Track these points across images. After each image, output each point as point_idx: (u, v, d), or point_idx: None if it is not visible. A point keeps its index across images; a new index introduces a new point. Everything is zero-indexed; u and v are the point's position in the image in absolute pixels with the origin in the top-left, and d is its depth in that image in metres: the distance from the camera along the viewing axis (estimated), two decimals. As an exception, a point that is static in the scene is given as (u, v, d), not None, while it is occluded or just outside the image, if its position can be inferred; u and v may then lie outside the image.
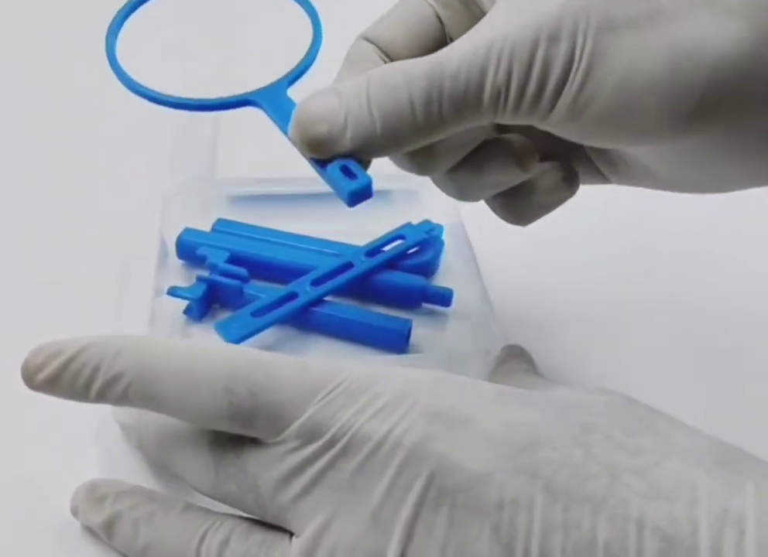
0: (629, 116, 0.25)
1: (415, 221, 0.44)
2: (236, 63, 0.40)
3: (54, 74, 0.61)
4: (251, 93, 0.34)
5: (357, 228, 0.45)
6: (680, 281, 0.45)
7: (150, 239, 0.42)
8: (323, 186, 0.46)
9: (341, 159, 0.30)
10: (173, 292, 0.38)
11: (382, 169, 0.47)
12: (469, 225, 0.43)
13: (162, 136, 0.50)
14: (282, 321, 0.39)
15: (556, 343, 0.41)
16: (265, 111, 0.33)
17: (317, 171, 0.31)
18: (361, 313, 0.40)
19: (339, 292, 0.41)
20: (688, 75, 0.24)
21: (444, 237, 0.44)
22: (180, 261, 0.43)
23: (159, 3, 0.36)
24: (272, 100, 0.33)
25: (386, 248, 0.42)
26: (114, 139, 0.54)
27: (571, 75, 0.25)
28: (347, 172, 0.30)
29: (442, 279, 0.43)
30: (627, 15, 0.24)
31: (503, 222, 0.37)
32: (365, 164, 0.30)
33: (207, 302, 0.39)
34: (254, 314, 0.38)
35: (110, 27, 0.36)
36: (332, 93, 0.29)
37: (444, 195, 0.44)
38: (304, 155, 0.31)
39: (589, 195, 0.34)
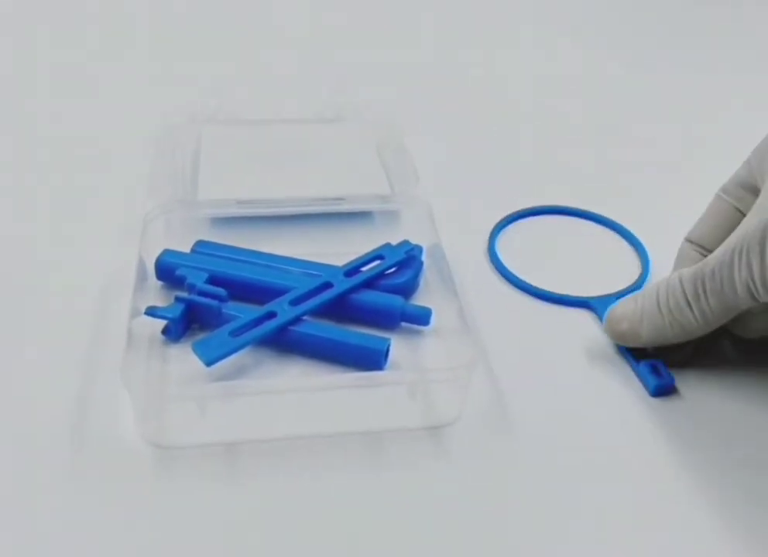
0: None
1: (395, 242, 0.44)
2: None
3: (33, 97, 0.62)
4: (592, 298, 0.44)
5: (337, 249, 0.46)
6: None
7: (130, 260, 0.41)
8: (302, 208, 0.47)
9: (653, 359, 0.39)
10: (150, 312, 0.38)
11: (365, 190, 0.48)
12: (447, 246, 0.43)
13: (144, 157, 0.50)
14: (261, 341, 0.39)
15: (533, 360, 0.41)
16: (597, 313, 0.43)
17: (631, 364, 0.40)
18: (340, 332, 0.40)
19: (318, 312, 0.41)
20: None
21: (423, 257, 0.44)
22: (159, 283, 0.43)
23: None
24: (603, 306, 0.43)
25: (365, 268, 0.42)
26: (95, 160, 0.54)
27: None
28: (655, 370, 0.39)
29: (421, 299, 0.43)
30: None
31: (480, 243, 0.41)
32: (672, 366, 0.39)
33: (185, 323, 0.39)
34: (232, 334, 0.38)
35: (494, 229, 0.48)
36: (633, 298, 0.39)
37: (423, 216, 0.45)
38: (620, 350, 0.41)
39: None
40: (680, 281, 0.36)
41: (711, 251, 0.39)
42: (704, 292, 0.35)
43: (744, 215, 0.40)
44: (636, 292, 0.40)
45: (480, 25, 0.78)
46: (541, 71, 0.70)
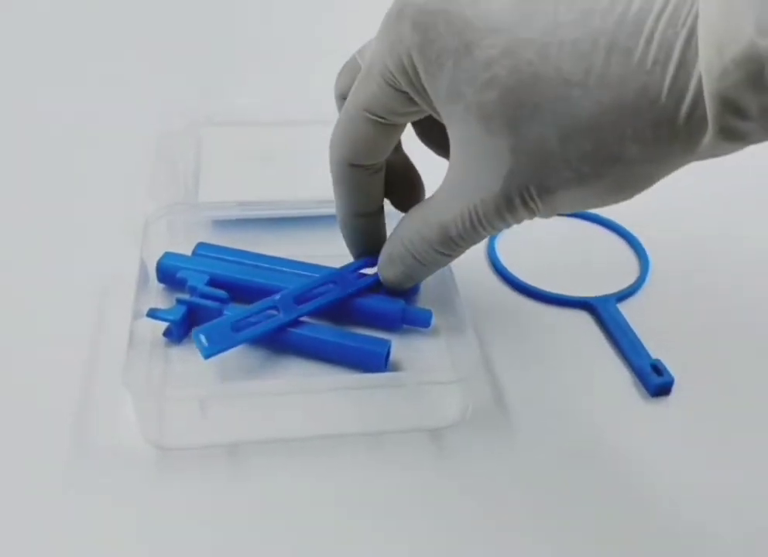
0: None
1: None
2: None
3: (34, 100, 0.62)
4: (591, 298, 0.44)
5: (338, 251, 0.46)
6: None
7: (131, 263, 0.42)
8: (303, 210, 0.47)
9: (653, 359, 0.40)
10: (152, 314, 0.39)
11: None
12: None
13: (145, 160, 0.50)
14: (262, 339, 0.39)
15: (533, 361, 0.41)
16: (597, 314, 0.43)
17: (631, 364, 0.41)
18: (341, 334, 0.40)
19: (319, 313, 0.41)
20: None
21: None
22: (161, 285, 0.43)
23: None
24: (602, 306, 0.43)
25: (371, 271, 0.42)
26: (96, 163, 0.54)
27: (536, 213, 0.32)
28: (656, 369, 0.39)
29: (422, 300, 0.43)
30: (557, 183, 0.30)
31: (479, 244, 0.41)
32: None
33: (186, 325, 0.40)
34: (234, 328, 0.38)
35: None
36: (392, 263, 0.39)
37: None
38: None
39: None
40: (432, 247, 0.36)
41: (373, 165, 0.38)
42: (458, 245, 0.35)
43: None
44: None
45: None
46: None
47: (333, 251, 0.45)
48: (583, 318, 0.43)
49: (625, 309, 0.43)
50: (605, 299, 0.44)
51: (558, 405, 0.38)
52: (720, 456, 0.37)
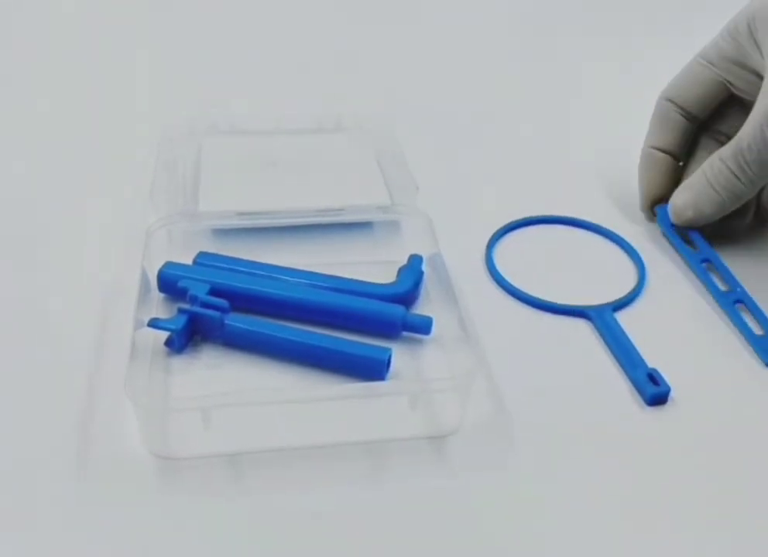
0: None
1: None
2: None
3: (35, 107, 0.62)
4: (588, 307, 0.44)
5: (337, 259, 0.46)
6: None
7: (133, 272, 0.42)
8: (303, 219, 0.47)
9: (649, 368, 0.40)
10: (153, 323, 0.39)
11: (365, 201, 0.48)
12: (444, 256, 0.44)
13: (145, 169, 0.50)
14: (262, 346, 0.40)
15: (532, 370, 0.41)
16: (594, 322, 0.44)
17: (628, 373, 0.41)
18: (341, 343, 0.40)
19: (320, 321, 0.41)
20: None
21: (424, 267, 0.45)
22: (162, 295, 0.43)
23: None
24: (599, 315, 0.44)
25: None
26: (97, 172, 0.54)
27: None
28: (652, 378, 0.40)
29: (422, 308, 0.44)
30: None
31: (477, 253, 0.46)
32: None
33: (187, 334, 0.40)
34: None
35: (491, 238, 0.50)
36: (685, 187, 0.48)
37: (423, 226, 0.45)
38: None
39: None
40: (723, 161, 0.44)
41: (692, 113, 0.49)
42: (746, 163, 0.43)
43: (732, 87, 0.48)
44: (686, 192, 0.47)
45: (479, 40, 0.78)
46: (539, 83, 0.71)
47: (332, 259, 0.46)
48: (580, 327, 0.44)
49: (622, 318, 0.44)
50: (602, 308, 0.44)
51: (555, 413, 0.39)
52: (716, 465, 0.37)
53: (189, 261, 0.44)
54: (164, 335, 0.40)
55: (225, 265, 0.44)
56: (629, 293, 0.46)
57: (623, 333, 0.42)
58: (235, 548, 0.32)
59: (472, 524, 0.34)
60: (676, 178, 0.50)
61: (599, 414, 0.39)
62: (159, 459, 0.35)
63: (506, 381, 0.40)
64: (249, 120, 0.57)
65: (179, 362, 0.39)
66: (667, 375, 0.40)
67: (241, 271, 0.44)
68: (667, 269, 0.48)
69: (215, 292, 0.41)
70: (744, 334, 0.43)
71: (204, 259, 0.45)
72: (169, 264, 0.43)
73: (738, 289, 0.45)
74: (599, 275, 0.48)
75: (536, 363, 0.42)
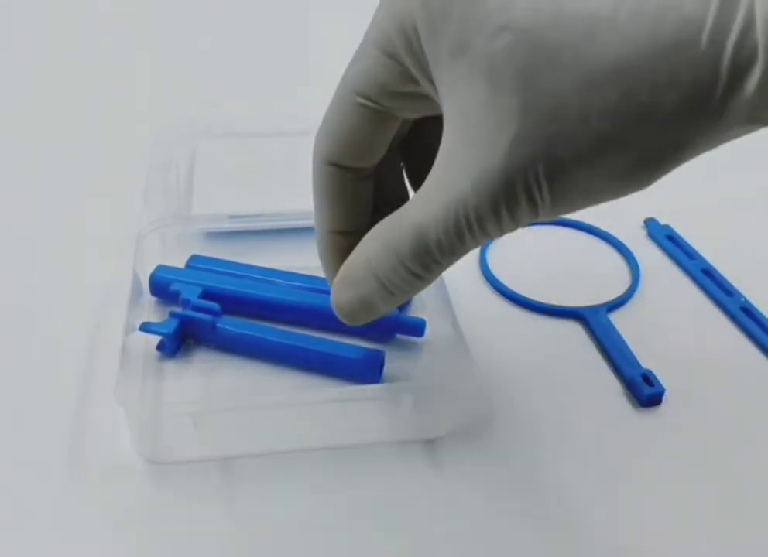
0: (601, 200, 0.26)
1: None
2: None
3: (29, 110, 0.62)
4: (582, 308, 0.44)
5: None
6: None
7: (124, 275, 0.42)
8: (296, 221, 0.47)
9: (643, 369, 0.40)
10: (145, 327, 0.39)
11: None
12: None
13: (138, 172, 0.50)
14: (254, 350, 0.40)
15: (525, 371, 0.41)
16: (588, 324, 0.43)
17: (622, 375, 0.41)
18: (334, 346, 0.40)
19: (313, 324, 0.41)
20: (643, 178, 0.25)
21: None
22: (154, 298, 0.43)
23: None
24: (593, 316, 0.44)
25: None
26: (90, 175, 0.54)
27: (539, 210, 0.26)
28: (647, 379, 0.40)
29: (416, 310, 0.44)
30: (572, 154, 0.24)
31: (471, 255, 0.43)
32: None
33: (179, 338, 0.40)
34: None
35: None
36: (350, 286, 0.31)
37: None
38: None
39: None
40: (402, 263, 0.29)
41: (367, 168, 0.32)
42: (437, 261, 0.28)
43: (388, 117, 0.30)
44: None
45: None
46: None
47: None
48: (574, 328, 0.44)
49: (616, 319, 0.44)
50: (596, 309, 0.44)
51: (549, 415, 0.39)
52: (711, 466, 0.37)
53: (182, 264, 0.44)
54: (156, 339, 0.39)
55: (218, 268, 0.44)
56: (623, 294, 0.46)
57: (617, 334, 0.42)
58: (228, 552, 0.32)
59: (463, 526, 0.34)
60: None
61: (594, 415, 0.39)
62: (151, 464, 0.35)
63: (498, 383, 0.40)
64: (243, 122, 0.57)
65: (171, 367, 0.39)
66: (662, 376, 0.40)
67: (234, 275, 0.44)
68: (661, 270, 0.47)
69: (208, 295, 0.41)
70: (758, 340, 0.43)
71: (196, 262, 0.45)
72: (161, 268, 0.43)
73: (743, 299, 0.45)
74: (593, 276, 0.48)
75: (529, 364, 0.42)
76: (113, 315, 0.40)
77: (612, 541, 0.34)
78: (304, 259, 0.46)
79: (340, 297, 0.31)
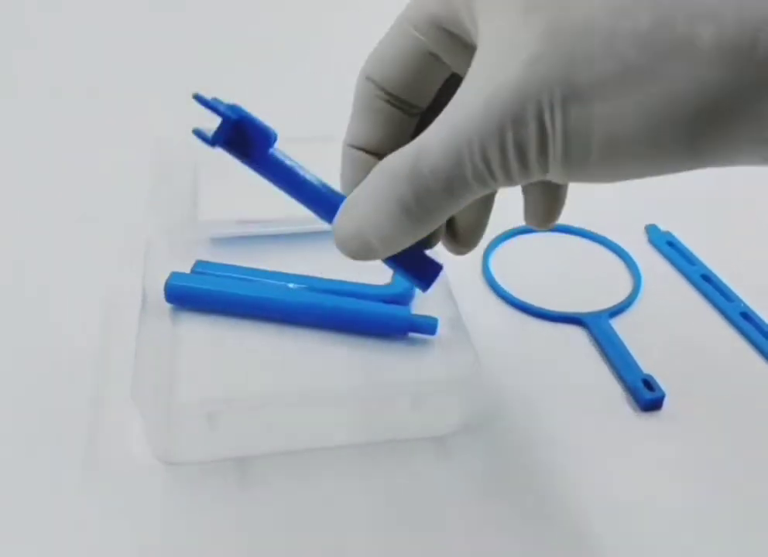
0: (622, 165, 0.24)
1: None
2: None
3: (32, 122, 0.62)
4: (584, 314, 0.45)
5: (336, 266, 0.46)
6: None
7: (134, 281, 0.42)
8: (301, 226, 0.47)
9: (644, 374, 0.41)
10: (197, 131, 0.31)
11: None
12: (444, 264, 0.44)
13: (144, 180, 0.50)
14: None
15: (527, 375, 0.42)
16: (590, 329, 0.44)
17: (622, 378, 0.41)
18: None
19: (325, 324, 0.42)
20: (671, 133, 0.23)
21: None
22: (164, 302, 0.43)
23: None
24: (595, 322, 0.44)
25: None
26: (96, 182, 0.55)
27: (550, 150, 0.23)
28: (647, 384, 0.40)
29: (419, 309, 0.44)
30: (592, 81, 0.22)
31: (474, 261, 0.43)
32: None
33: (234, 132, 0.31)
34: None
35: (488, 246, 0.50)
36: (347, 209, 0.29)
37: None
38: None
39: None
40: (395, 191, 0.26)
41: (401, 97, 0.30)
42: (428, 191, 0.26)
43: (435, 54, 0.29)
44: None
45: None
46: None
47: (330, 266, 0.46)
48: (576, 333, 0.44)
49: (618, 324, 0.44)
50: (598, 314, 0.45)
51: (551, 418, 0.39)
52: (710, 470, 0.37)
53: (188, 269, 0.45)
54: (164, 338, 0.40)
55: (223, 273, 0.44)
56: (625, 300, 0.46)
57: (619, 339, 0.43)
58: (244, 551, 0.33)
59: (471, 523, 0.34)
60: None
61: (595, 419, 0.40)
62: (166, 464, 0.36)
63: (502, 387, 0.41)
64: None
65: (185, 367, 0.40)
66: (662, 381, 0.40)
67: (243, 279, 0.44)
68: (663, 276, 0.48)
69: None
70: (758, 346, 0.44)
71: (201, 268, 0.45)
72: (175, 275, 0.43)
73: (742, 304, 0.46)
74: (595, 282, 0.48)
75: (533, 368, 0.42)
76: (125, 318, 0.41)
77: (612, 541, 0.34)
78: (310, 263, 0.46)
79: (338, 222, 0.29)
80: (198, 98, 0.30)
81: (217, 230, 0.47)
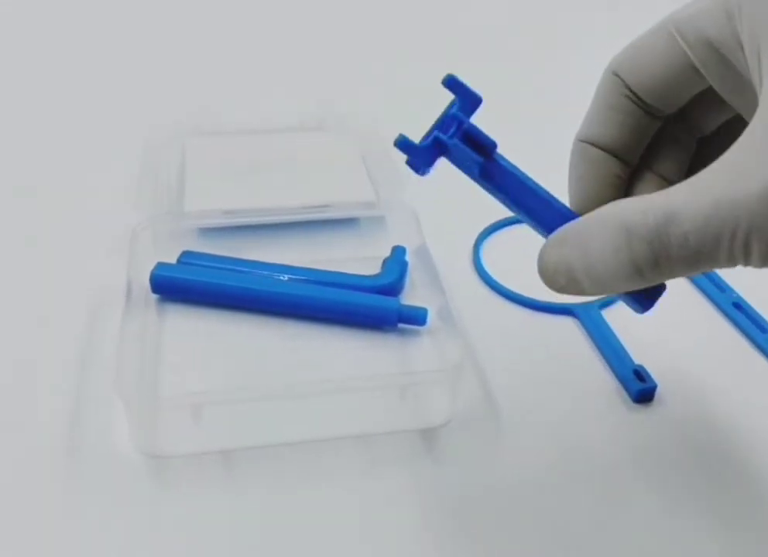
0: None
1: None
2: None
3: (20, 110, 0.62)
4: (575, 304, 0.45)
5: (324, 256, 0.46)
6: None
7: (119, 272, 0.42)
8: (288, 216, 0.47)
9: (635, 365, 0.40)
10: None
11: (351, 198, 0.48)
12: (435, 253, 0.44)
13: (130, 171, 0.50)
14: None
15: (518, 366, 0.41)
16: (581, 320, 0.44)
17: (614, 370, 0.41)
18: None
19: (315, 315, 0.42)
20: None
21: (408, 257, 0.45)
22: (149, 294, 0.43)
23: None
24: (585, 313, 0.44)
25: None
26: (82, 173, 0.54)
27: None
28: (639, 375, 0.40)
29: (408, 299, 0.44)
30: None
31: (465, 252, 0.44)
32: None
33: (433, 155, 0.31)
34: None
35: (479, 237, 0.50)
36: (561, 244, 0.27)
37: (409, 221, 0.45)
38: None
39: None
40: (628, 241, 0.24)
41: (645, 99, 0.29)
42: (668, 259, 0.24)
43: (707, 79, 0.27)
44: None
45: (466, 37, 0.78)
46: (529, 80, 0.71)
47: (318, 256, 0.46)
48: (567, 324, 0.44)
49: (609, 315, 0.44)
50: (589, 305, 0.44)
51: (543, 410, 0.39)
52: (703, 462, 0.37)
53: (174, 260, 0.44)
54: (149, 331, 0.40)
55: (210, 264, 0.44)
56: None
57: (610, 330, 0.43)
58: (230, 545, 0.32)
59: (461, 515, 0.34)
60: (619, 187, 0.31)
61: (586, 410, 0.39)
62: (150, 458, 0.35)
63: (493, 378, 0.40)
64: (233, 119, 0.57)
65: (169, 359, 0.39)
66: (653, 372, 0.40)
67: (230, 269, 0.44)
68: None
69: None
70: (750, 336, 0.44)
71: (188, 258, 0.44)
72: (160, 266, 0.43)
73: (735, 294, 0.46)
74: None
75: (523, 360, 0.42)
76: (109, 310, 0.41)
77: (606, 533, 0.34)
78: (297, 253, 0.46)
79: (549, 251, 0.28)
80: (450, 81, 0.30)
81: (203, 221, 0.47)
